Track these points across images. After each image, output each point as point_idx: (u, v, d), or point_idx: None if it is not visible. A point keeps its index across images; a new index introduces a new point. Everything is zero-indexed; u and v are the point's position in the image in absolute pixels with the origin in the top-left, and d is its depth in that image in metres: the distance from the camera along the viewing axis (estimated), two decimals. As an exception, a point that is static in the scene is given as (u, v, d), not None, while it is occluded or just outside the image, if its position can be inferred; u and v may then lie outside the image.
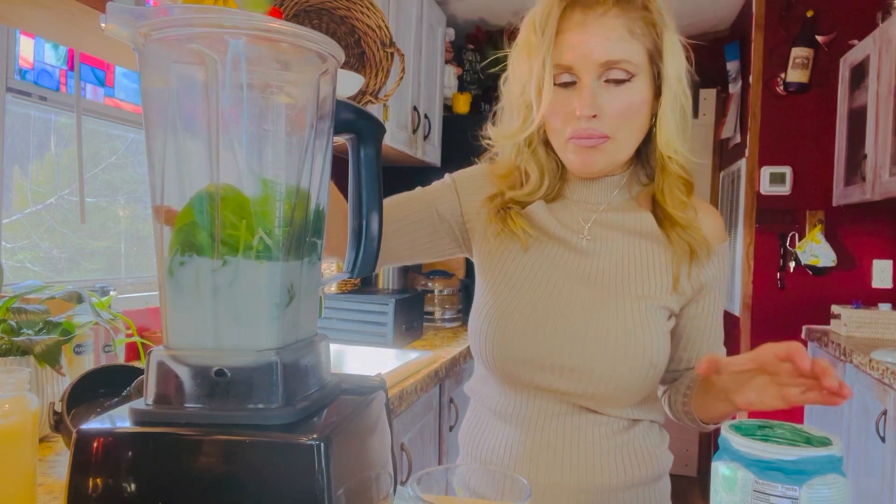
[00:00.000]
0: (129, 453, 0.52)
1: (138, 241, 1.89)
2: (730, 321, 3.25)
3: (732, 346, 3.12)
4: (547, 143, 0.94)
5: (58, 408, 0.93)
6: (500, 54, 0.95)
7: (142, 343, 1.39)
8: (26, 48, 1.48)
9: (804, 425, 0.66)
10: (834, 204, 2.91)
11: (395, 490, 0.69)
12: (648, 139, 0.91)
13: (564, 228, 0.93)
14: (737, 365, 0.77)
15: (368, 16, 1.45)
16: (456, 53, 3.28)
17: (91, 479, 0.52)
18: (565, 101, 0.86)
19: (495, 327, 0.90)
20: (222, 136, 0.55)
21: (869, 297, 2.84)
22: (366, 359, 2.02)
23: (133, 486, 0.52)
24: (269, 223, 0.56)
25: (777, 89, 2.99)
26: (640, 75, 0.85)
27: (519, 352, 0.89)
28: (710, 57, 3.63)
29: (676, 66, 0.86)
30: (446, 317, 2.66)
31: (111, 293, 1.44)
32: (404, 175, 3.16)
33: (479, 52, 3.29)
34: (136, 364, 1.12)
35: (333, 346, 1.93)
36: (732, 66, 3.43)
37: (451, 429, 2.04)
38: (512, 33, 0.92)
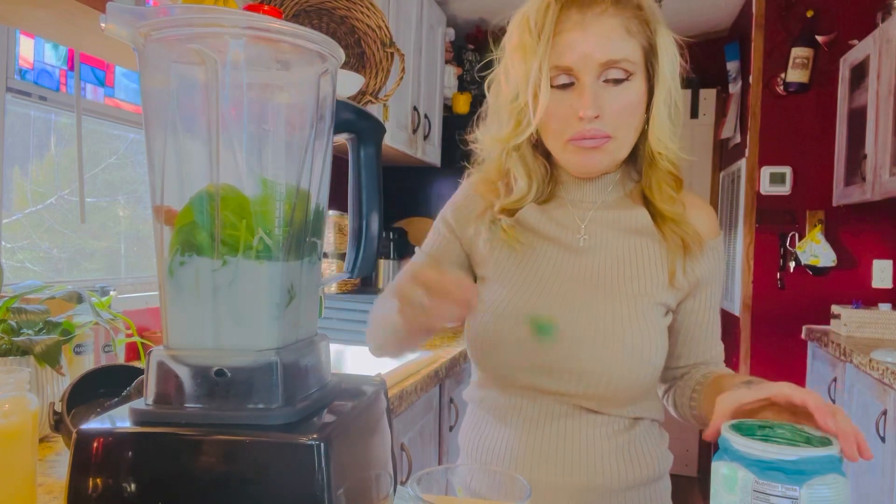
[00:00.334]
0: (129, 453, 0.52)
1: (138, 241, 1.89)
2: (730, 321, 3.25)
3: (732, 346, 3.12)
4: (535, 147, 0.93)
5: (58, 408, 0.93)
6: (490, 57, 0.94)
7: (142, 343, 1.39)
8: (26, 48, 1.48)
9: (804, 426, 0.65)
10: (834, 204, 2.91)
11: (395, 490, 0.69)
12: (641, 136, 0.91)
13: (561, 229, 0.93)
14: (749, 403, 0.72)
15: (368, 16, 1.45)
16: (456, 53, 3.28)
17: (91, 479, 0.52)
18: (564, 103, 0.85)
19: (493, 333, 0.90)
20: (222, 136, 0.55)
21: (869, 297, 2.84)
22: (366, 359, 2.02)
23: (133, 486, 0.52)
24: (269, 223, 0.56)
25: (777, 89, 2.99)
26: (637, 73, 0.85)
27: (518, 357, 0.89)
28: (710, 57, 3.63)
29: (670, 62, 0.87)
30: (446, 317, 2.66)
31: (111, 293, 1.44)
32: (404, 175, 3.16)
33: (479, 52, 3.29)
34: (136, 364, 1.12)
35: (333, 346, 1.93)
36: (732, 66, 3.43)
37: (451, 429, 2.04)
38: (495, 33, 0.91)
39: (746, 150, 3.09)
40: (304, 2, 1.40)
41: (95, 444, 0.53)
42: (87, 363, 1.21)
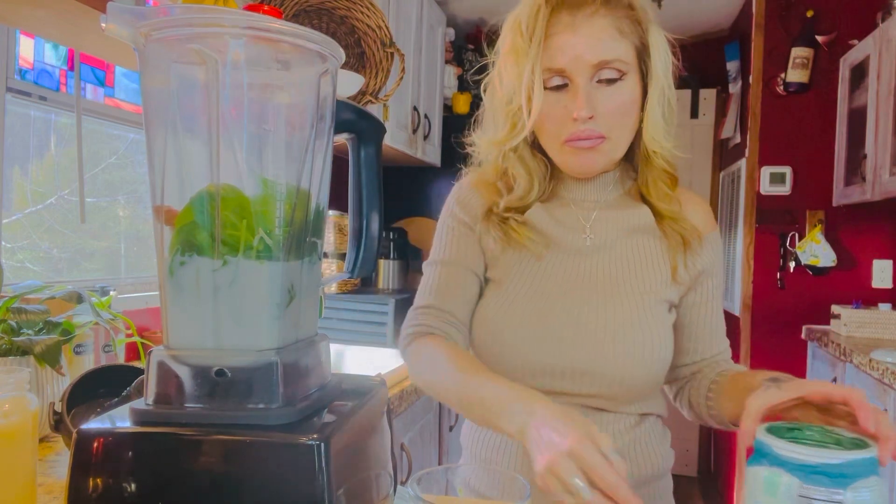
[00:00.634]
0: (129, 453, 0.52)
1: (138, 241, 1.89)
2: (730, 321, 3.25)
3: (732, 346, 3.10)
4: (533, 146, 0.93)
5: (58, 408, 0.93)
6: (485, 61, 0.94)
7: (142, 343, 1.39)
8: (26, 48, 1.48)
9: (833, 427, 0.64)
10: (834, 204, 2.91)
11: (395, 490, 0.69)
12: (636, 134, 0.92)
13: (566, 230, 0.93)
14: (783, 403, 0.70)
15: (368, 16, 1.45)
16: (456, 53, 3.28)
17: (91, 479, 0.52)
18: (557, 105, 0.85)
19: (502, 338, 0.90)
20: (222, 136, 0.55)
21: (869, 297, 2.83)
22: (366, 359, 2.02)
23: (133, 486, 0.52)
24: (269, 223, 0.56)
25: (777, 89, 2.99)
26: (631, 73, 0.85)
27: (528, 360, 0.88)
28: (710, 57, 3.63)
29: (663, 61, 0.87)
30: (446, 317, 2.66)
31: (111, 293, 1.44)
32: (404, 175, 3.16)
33: (479, 52, 3.29)
34: (136, 364, 1.12)
35: (333, 346, 1.93)
36: (732, 66, 3.43)
37: (451, 429, 2.04)
38: (488, 35, 0.91)
39: (746, 150, 3.09)
40: (304, 2, 1.40)
41: (95, 444, 0.53)
42: (87, 363, 1.20)
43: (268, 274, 0.56)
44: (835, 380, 2.45)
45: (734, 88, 3.40)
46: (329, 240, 2.25)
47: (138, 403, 0.56)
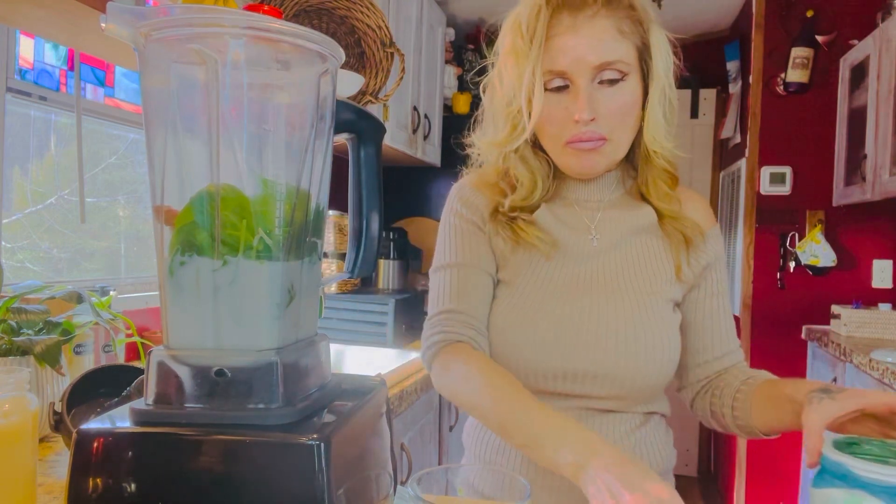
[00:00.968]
0: (129, 453, 0.52)
1: (138, 241, 1.89)
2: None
3: (732, 346, 3.11)
4: (535, 146, 0.93)
5: (58, 408, 0.93)
6: (484, 63, 0.94)
7: (142, 343, 1.39)
8: (26, 48, 1.48)
9: (892, 440, 0.61)
10: (834, 204, 2.91)
11: (395, 490, 0.69)
12: (637, 134, 0.91)
13: (572, 231, 0.93)
14: (844, 417, 0.69)
15: (368, 16, 1.45)
16: (456, 53, 3.28)
17: (91, 479, 0.52)
18: (559, 106, 0.85)
19: (512, 340, 0.89)
20: (222, 136, 0.55)
21: (869, 297, 2.83)
22: (366, 359, 2.02)
23: (133, 486, 0.52)
24: (269, 223, 0.56)
25: (777, 89, 2.99)
26: (632, 73, 0.85)
27: (537, 363, 0.88)
28: (710, 57, 3.63)
29: (664, 60, 0.87)
30: (446, 317, 2.65)
31: (111, 293, 1.44)
32: (404, 175, 3.16)
33: (479, 52, 3.29)
34: (136, 364, 1.12)
35: (333, 346, 1.93)
36: (732, 66, 3.43)
37: (451, 429, 2.04)
38: (488, 35, 0.90)
39: (746, 150, 3.09)
40: (304, 2, 1.40)
41: (95, 444, 0.53)
42: (87, 363, 1.20)
43: (268, 274, 0.56)
44: (835, 380, 2.45)
45: (734, 88, 3.40)
46: (329, 240, 2.25)
47: (138, 403, 0.56)
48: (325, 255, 2.26)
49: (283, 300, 0.57)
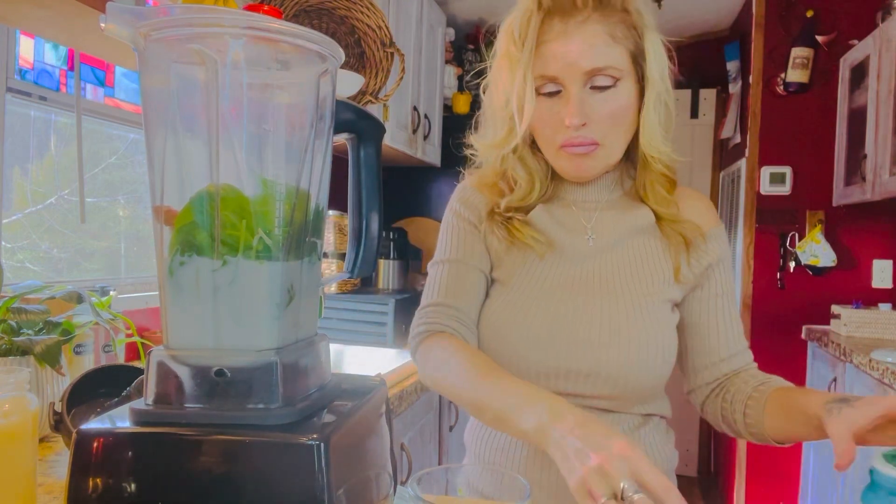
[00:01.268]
0: (129, 453, 0.52)
1: (138, 241, 1.89)
2: (730, 321, 3.24)
3: (732, 346, 3.11)
4: (534, 147, 0.94)
5: (58, 408, 0.93)
6: (482, 66, 0.94)
7: (142, 343, 1.39)
8: (26, 48, 1.48)
9: None
10: (834, 204, 2.91)
11: (395, 490, 0.69)
12: (634, 137, 0.92)
13: (568, 231, 0.93)
14: (868, 424, 0.69)
15: (368, 16, 1.45)
16: (456, 53, 3.28)
17: (91, 479, 0.52)
18: (553, 111, 0.86)
19: (507, 339, 0.90)
20: (222, 136, 0.55)
21: (869, 297, 2.83)
22: (366, 359, 2.02)
23: (133, 486, 0.52)
24: (269, 223, 0.56)
25: (777, 89, 2.99)
26: (625, 79, 0.85)
27: (532, 362, 0.88)
28: (710, 57, 3.63)
29: (659, 65, 0.86)
30: (446, 317, 2.65)
31: (111, 293, 1.44)
32: (404, 175, 3.16)
33: (479, 52, 3.29)
34: (136, 364, 1.12)
35: (333, 346, 1.93)
36: (732, 66, 3.43)
37: (451, 429, 2.04)
38: (488, 35, 0.91)
39: (746, 150, 3.09)
40: (304, 2, 1.40)
41: (95, 444, 0.53)
42: (87, 363, 1.20)
43: (267, 274, 0.56)
44: (835, 380, 2.45)
45: (734, 88, 3.40)
46: (329, 240, 2.25)
47: (138, 403, 0.56)
48: (325, 255, 2.26)
49: (282, 300, 0.57)
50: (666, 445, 0.95)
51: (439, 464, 1.94)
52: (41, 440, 1.05)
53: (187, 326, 0.56)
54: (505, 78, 0.87)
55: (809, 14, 2.91)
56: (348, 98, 1.41)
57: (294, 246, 0.58)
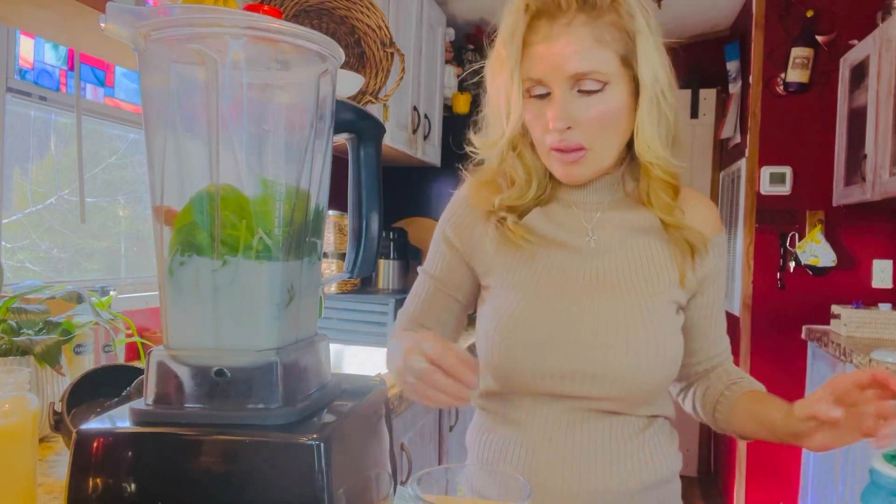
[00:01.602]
0: (129, 453, 0.52)
1: (138, 241, 1.89)
2: (730, 321, 3.23)
3: (733, 346, 3.10)
4: (533, 145, 0.93)
5: (58, 408, 0.93)
6: (477, 65, 0.95)
7: (142, 343, 1.39)
8: (26, 48, 1.48)
9: None
10: (834, 204, 2.91)
11: (395, 490, 0.69)
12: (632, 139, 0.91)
13: (568, 232, 0.93)
14: (822, 397, 0.75)
15: (368, 16, 1.45)
16: (456, 53, 3.28)
17: (91, 479, 0.52)
18: (541, 113, 0.85)
19: (508, 341, 0.89)
20: (222, 136, 0.55)
21: (869, 297, 2.83)
22: (366, 359, 2.02)
23: (133, 486, 0.52)
24: (268, 223, 0.56)
25: (777, 89, 2.99)
26: (614, 83, 0.83)
27: (535, 363, 0.88)
28: (710, 57, 3.63)
29: (652, 70, 0.84)
30: (446, 317, 2.65)
31: (111, 293, 1.44)
32: (404, 175, 3.16)
33: (479, 52, 3.29)
34: (136, 364, 1.12)
35: (333, 346, 1.93)
36: (732, 66, 3.43)
37: (451, 429, 2.04)
38: (489, 35, 0.91)
39: (746, 150, 3.09)
40: (304, 2, 1.40)
41: (95, 444, 0.53)
42: (87, 363, 1.20)
43: (267, 274, 0.56)
44: (835, 380, 2.45)
45: (734, 88, 3.40)
46: (329, 240, 2.25)
47: (138, 403, 0.56)
48: (325, 255, 2.26)
49: (282, 300, 0.57)
50: (670, 447, 0.95)
51: (439, 464, 1.94)
52: (41, 440, 1.05)
53: (187, 326, 0.56)
54: (497, 78, 0.88)
55: (809, 14, 2.91)
56: (348, 98, 1.41)
57: (294, 246, 0.58)
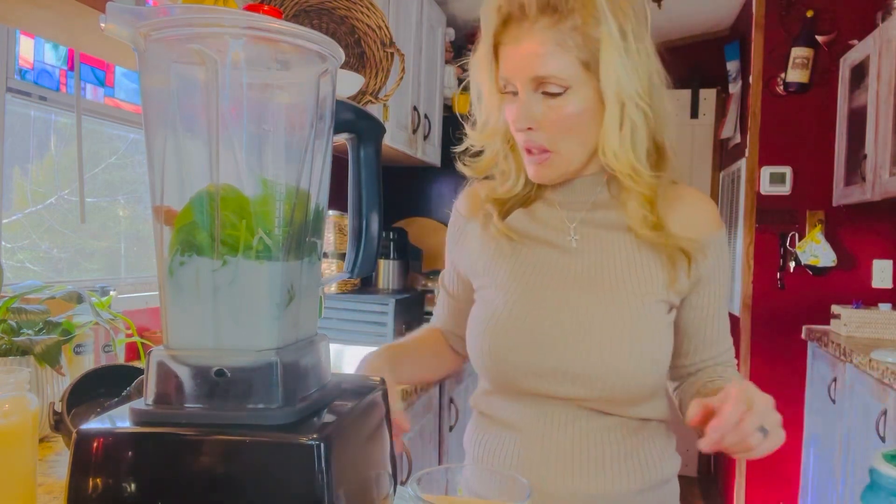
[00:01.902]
0: (129, 453, 0.52)
1: (138, 241, 1.89)
2: (730, 321, 3.24)
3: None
4: None
5: (58, 408, 0.93)
6: (464, 61, 0.98)
7: (142, 343, 1.39)
8: (26, 48, 1.48)
9: None
10: (834, 204, 2.91)
11: (395, 490, 0.69)
12: None
13: (550, 231, 0.93)
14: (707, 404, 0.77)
15: (368, 16, 1.45)
16: (456, 53, 3.28)
17: (91, 479, 0.52)
18: (511, 111, 0.87)
19: (493, 341, 0.89)
20: (222, 136, 0.55)
21: (869, 297, 2.83)
22: (366, 359, 2.01)
23: (133, 486, 0.52)
24: (268, 223, 0.56)
25: (777, 89, 2.99)
26: (577, 87, 0.83)
27: (520, 363, 0.88)
28: (710, 57, 3.63)
29: (615, 78, 0.81)
30: (446, 317, 2.66)
31: (111, 293, 1.44)
32: (404, 175, 3.16)
33: (479, 52, 3.28)
34: (136, 364, 1.12)
35: (333, 346, 1.93)
36: (732, 66, 3.43)
37: (451, 429, 2.04)
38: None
39: (746, 150, 3.09)
40: (304, 2, 1.40)
41: (95, 444, 0.53)
42: (87, 363, 1.20)
43: (267, 274, 0.56)
44: (835, 380, 2.45)
45: (734, 88, 3.40)
46: (329, 240, 2.25)
47: (138, 403, 0.56)
48: (325, 255, 2.26)
49: (282, 300, 0.57)
50: (666, 451, 0.94)
51: (439, 464, 1.94)
52: (41, 440, 1.05)
53: (187, 326, 0.56)
54: (473, 73, 0.91)
55: (809, 14, 2.91)
56: (348, 98, 1.41)
57: (294, 246, 0.58)
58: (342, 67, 0.72)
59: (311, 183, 0.59)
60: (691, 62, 3.75)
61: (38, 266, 1.60)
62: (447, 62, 3.15)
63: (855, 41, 2.75)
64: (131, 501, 0.51)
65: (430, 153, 2.94)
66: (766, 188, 3.00)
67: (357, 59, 1.49)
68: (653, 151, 0.88)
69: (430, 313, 2.61)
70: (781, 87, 2.97)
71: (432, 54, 2.91)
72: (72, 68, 1.58)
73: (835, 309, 2.66)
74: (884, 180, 2.37)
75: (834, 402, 2.46)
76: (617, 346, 0.85)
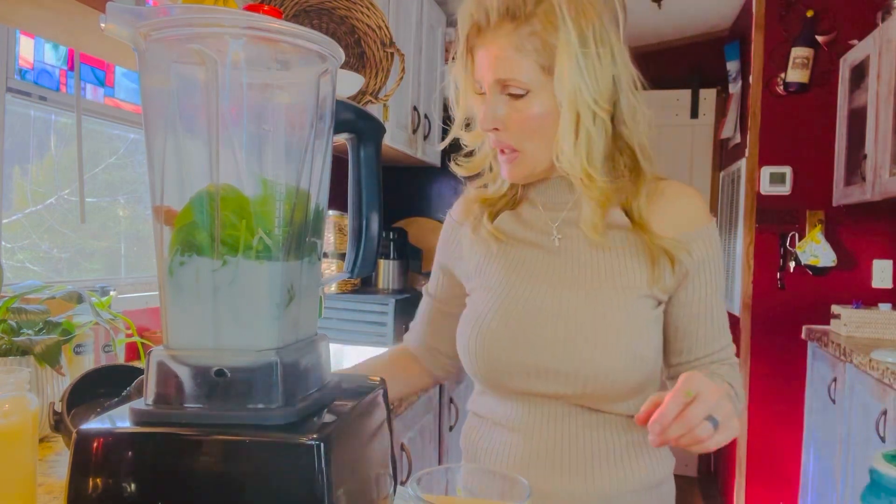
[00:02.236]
0: (129, 453, 0.52)
1: (138, 241, 1.89)
2: (730, 321, 3.24)
3: (732, 346, 3.11)
4: None
5: (58, 408, 0.93)
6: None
7: (142, 343, 1.39)
8: (26, 48, 1.48)
9: None
10: (834, 204, 2.91)
11: (395, 490, 0.69)
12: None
13: (535, 231, 0.94)
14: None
15: (368, 16, 1.45)
16: (456, 53, 3.28)
17: (91, 479, 0.52)
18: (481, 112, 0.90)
19: (478, 342, 0.90)
20: (222, 136, 0.55)
21: (869, 297, 2.83)
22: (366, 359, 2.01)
23: (133, 486, 0.52)
24: (268, 223, 0.56)
25: (777, 89, 2.99)
26: (537, 91, 0.84)
27: (507, 362, 0.89)
28: (710, 57, 3.63)
29: (570, 85, 0.82)
30: (446, 317, 2.65)
31: (111, 293, 1.44)
32: (404, 175, 3.16)
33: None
34: (136, 364, 1.12)
35: (333, 346, 1.93)
36: (732, 66, 3.43)
37: (451, 429, 2.04)
38: None
39: (746, 150, 3.09)
40: (304, 2, 1.40)
41: (95, 444, 0.53)
42: (87, 363, 1.20)
43: (267, 274, 0.56)
44: (835, 380, 2.45)
45: (734, 88, 3.40)
46: (329, 240, 2.25)
47: (138, 403, 0.56)
48: (325, 255, 2.26)
49: (282, 300, 0.57)
50: (661, 449, 0.93)
51: (439, 464, 1.94)
52: (41, 440, 1.05)
53: (187, 326, 0.56)
54: (452, 72, 0.96)
55: (809, 14, 2.91)
56: (348, 98, 1.41)
57: (294, 246, 0.58)
58: (342, 67, 0.72)
59: (311, 183, 0.59)
60: (691, 62, 3.75)
61: (38, 266, 1.60)
62: (447, 62, 3.15)
63: (855, 41, 2.75)
64: (131, 501, 0.52)
65: (429, 153, 2.94)
66: (766, 188, 3.00)
67: (357, 59, 1.49)
68: (627, 156, 0.89)
69: (430, 313, 2.62)
70: (781, 87, 2.97)
71: (432, 54, 2.91)
72: (72, 68, 1.58)
73: (835, 309, 2.66)
74: (884, 180, 2.37)
75: (834, 402, 2.46)
76: (602, 342, 0.85)
